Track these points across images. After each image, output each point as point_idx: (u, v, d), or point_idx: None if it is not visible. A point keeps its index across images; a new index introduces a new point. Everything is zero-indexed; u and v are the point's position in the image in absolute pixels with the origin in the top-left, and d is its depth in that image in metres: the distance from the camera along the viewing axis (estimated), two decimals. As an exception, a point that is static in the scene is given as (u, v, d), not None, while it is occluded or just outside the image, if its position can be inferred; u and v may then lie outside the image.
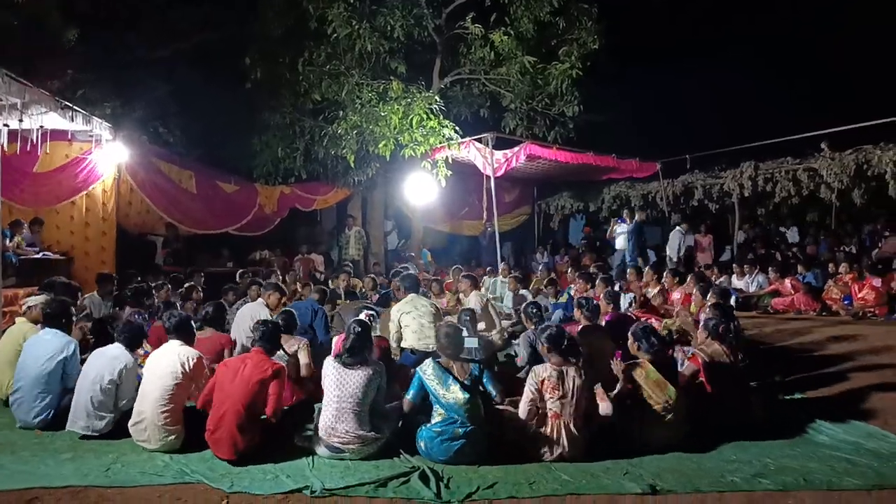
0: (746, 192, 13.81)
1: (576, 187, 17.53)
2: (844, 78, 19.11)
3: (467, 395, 4.61)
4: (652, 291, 9.14)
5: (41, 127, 8.63)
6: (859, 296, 10.18)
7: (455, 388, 4.64)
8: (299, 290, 10.07)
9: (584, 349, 5.93)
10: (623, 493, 4.09)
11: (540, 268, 13.50)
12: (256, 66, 12.37)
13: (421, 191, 13.38)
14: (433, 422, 4.66)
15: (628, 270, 10.63)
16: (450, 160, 12.50)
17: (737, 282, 12.07)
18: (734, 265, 12.83)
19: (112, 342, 5.32)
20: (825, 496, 4.05)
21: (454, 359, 4.90)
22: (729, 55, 19.98)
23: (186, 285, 9.37)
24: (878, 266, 10.96)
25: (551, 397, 4.64)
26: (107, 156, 10.25)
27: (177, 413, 4.82)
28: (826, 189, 12.61)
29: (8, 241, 9.09)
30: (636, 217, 13.33)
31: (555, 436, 4.59)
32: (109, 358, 5.11)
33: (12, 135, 8.44)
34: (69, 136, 9.87)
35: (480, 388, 4.81)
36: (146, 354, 5.43)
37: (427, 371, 4.77)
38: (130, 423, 4.84)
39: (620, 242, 13.46)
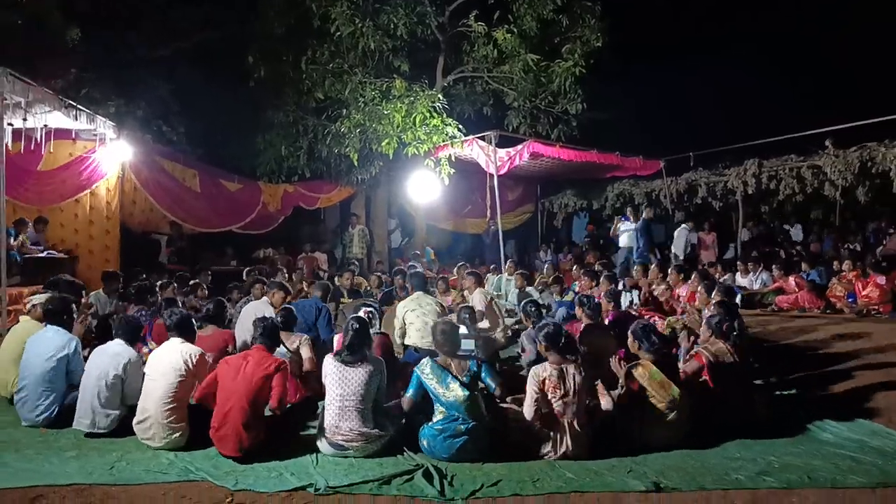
0: (750, 189, 13.76)
1: (579, 185, 17.49)
2: (848, 75, 19.06)
3: (466, 393, 4.61)
4: (657, 288, 9.13)
5: (45, 126, 8.68)
6: (863, 293, 10.14)
7: (454, 385, 4.64)
8: (305, 288, 10.08)
9: (586, 348, 5.96)
10: (627, 490, 4.08)
11: (546, 266, 13.48)
12: (259, 64, 12.38)
13: (424, 189, 13.37)
14: (434, 420, 4.66)
15: (635, 267, 10.61)
16: (453, 158, 12.48)
17: (740, 279, 12.04)
18: (738, 263, 12.79)
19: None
20: (829, 494, 4.04)
21: (451, 356, 4.89)
22: (733, 53, 19.92)
23: (191, 283, 9.39)
24: (881, 263, 10.92)
25: (553, 396, 4.63)
26: (110, 154, 10.30)
27: (181, 410, 4.83)
28: (830, 186, 12.56)
29: (12, 239, 9.11)
30: (644, 215, 13.24)
31: (558, 434, 4.59)
32: (111, 355, 5.12)
33: (17, 134, 8.49)
34: (73, 135, 9.92)
35: (480, 384, 4.81)
36: (150, 352, 5.44)
37: (425, 370, 4.77)
38: (135, 421, 4.85)
39: (624, 240, 13.44)
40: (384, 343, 6.12)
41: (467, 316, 6.56)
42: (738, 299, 8.50)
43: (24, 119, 8.19)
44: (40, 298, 6.34)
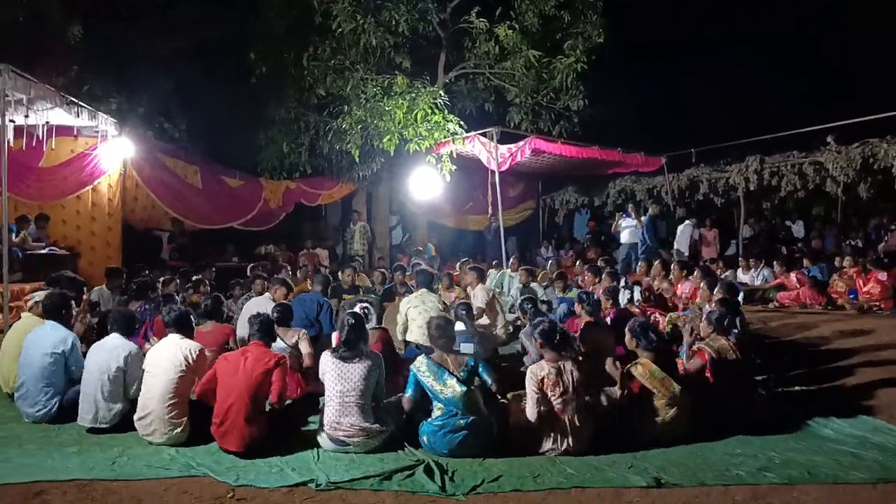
0: (752, 185, 13.76)
1: (581, 182, 17.49)
2: (848, 75, 19.03)
3: (463, 388, 4.60)
4: (660, 285, 9.12)
5: (47, 122, 8.69)
6: (864, 290, 10.14)
7: (451, 381, 4.63)
8: (309, 286, 10.08)
9: (587, 346, 5.95)
10: (628, 486, 4.08)
11: (549, 262, 13.47)
12: (261, 60, 12.39)
13: (425, 185, 13.38)
14: (434, 416, 4.66)
15: (640, 263, 10.60)
16: (454, 155, 12.48)
17: (742, 276, 12.04)
18: (739, 259, 12.79)
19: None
20: (830, 490, 4.04)
21: (447, 351, 4.88)
22: (733, 52, 19.94)
23: (194, 279, 9.41)
24: (883, 260, 10.91)
25: (553, 395, 4.62)
26: (112, 151, 10.31)
27: (182, 406, 4.84)
28: (832, 183, 12.55)
29: (14, 236, 9.13)
30: (650, 211, 13.18)
31: (559, 431, 4.59)
32: (111, 348, 5.14)
33: (18, 130, 8.49)
34: (75, 132, 9.93)
35: (477, 379, 4.80)
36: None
37: (421, 368, 4.75)
38: (136, 417, 4.86)
39: (625, 237, 13.43)
40: (384, 338, 6.11)
41: (464, 312, 6.52)
42: (740, 297, 8.49)
43: (26, 116, 8.21)
44: (42, 295, 6.35)
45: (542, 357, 4.89)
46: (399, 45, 12.57)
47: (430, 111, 11.68)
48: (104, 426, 5.01)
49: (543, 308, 8.94)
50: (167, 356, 4.92)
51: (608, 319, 6.73)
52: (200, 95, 13.14)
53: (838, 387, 6.42)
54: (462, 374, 4.69)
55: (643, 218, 13.13)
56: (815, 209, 15.75)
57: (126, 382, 5.09)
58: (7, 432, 5.09)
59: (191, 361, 4.93)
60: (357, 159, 12.74)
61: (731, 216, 15.91)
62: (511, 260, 11.78)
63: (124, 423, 4.99)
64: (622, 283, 9.38)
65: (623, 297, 7.73)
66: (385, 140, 11.84)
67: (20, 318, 6.43)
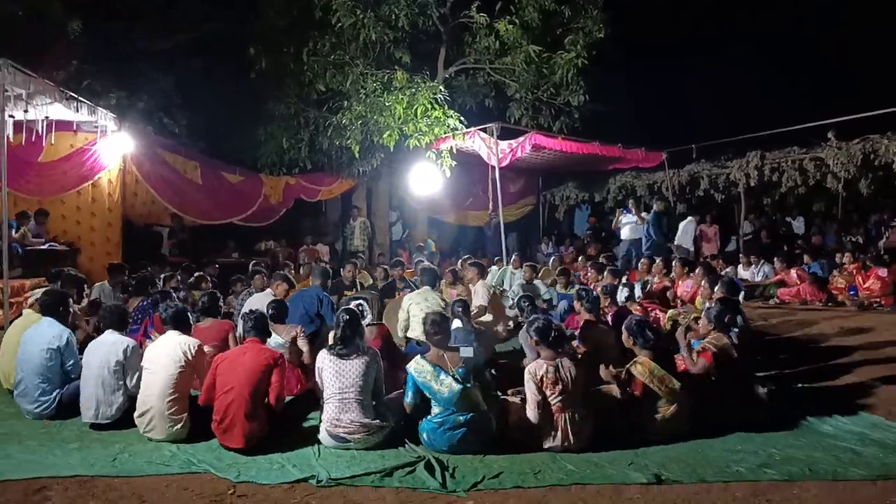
0: (752, 181, 13.76)
1: (581, 178, 17.48)
2: (847, 75, 19.03)
3: (460, 387, 4.58)
4: (661, 282, 9.12)
5: (46, 117, 8.68)
6: (865, 286, 10.15)
7: (448, 380, 4.61)
8: (311, 283, 10.07)
9: (587, 344, 5.95)
10: (628, 482, 4.08)
11: (552, 259, 13.45)
12: (261, 56, 12.34)
13: (426, 181, 13.35)
14: (433, 413, 4.65)
15: (642, 260, 10.59)
16: (454, 150, 12.47)
17: (742, 272, 12.05)
18: (740, 255, 12.79)
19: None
20: (830, 486, 4.04)
21: (443, 348, 4.86)
22: (732, 51, 19.99)
23: (196, 275, 9.40)
24: (883, 256, 10.92)
25: (552, 393, 4.62)
26: (112, 146, 10.29)
27: (182, 401, 4.85)
28: (833, 179, 12.57)
29: (14, 231, 9.12)
30: (654, 207, 13.03)
31: (559, 428, 4.58)
32: (108, 344, 5.14)
33: (18, 125, 8.47)
34: (74, 127, 9.91)
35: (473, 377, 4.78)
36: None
37: (417, 369, 4.73)
38: (136, 414, 4.87)
39: (626, 233, 13.40)
40: (384, 333, 6.12)
41: (461, 309, 6.48)
42: (741, 296, 8.47)
43: (26, 111, 8.19)
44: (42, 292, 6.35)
45: (538, 355, 4.89)
46: (399, 40, 12.54)
47: (430, 106, 11.66)
48: (105, 422, 5.02)
49: (544, 307, 8.96)
50: (166, 353, 4.92)
51: (609, 317, 6.72)
52: (200, 91, 13.13)
53: (838, 383, 6.43)
54: (459, 371, 4.68)
55: (644, 214, 13.09)
56: (815, 205, 15.77)
57: (126, 376, 5.10)
58: (7, 428, 5.09)
59: (190, 357, 4.94)
60: (357, 155, 12.72)
61: (731, 212, 15.92)
62: (513, 257, 11.76)
63: (125, 418, 4.99)
64: (625, 279, 9.38)
65: (621, 295, 7.73)
66: (385, 135, 11.82)
67: (20, 314, 6.44)
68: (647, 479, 4.10)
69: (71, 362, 5.41)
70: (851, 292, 10.28)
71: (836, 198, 14.37)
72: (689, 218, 13.75)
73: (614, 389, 5.03)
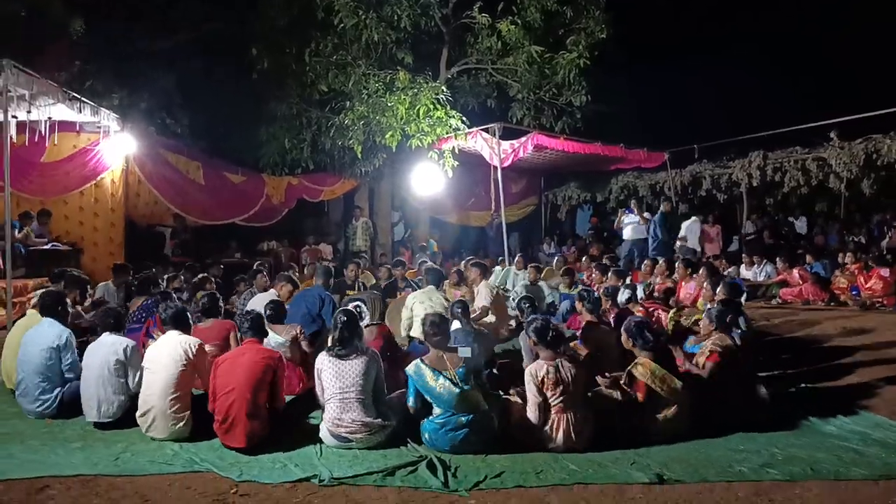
0: (755, 181, 13.76)
1: (583, 178, 17.48)
2: (850, 75, 19.02)
3: (458, 390, 4.58)
4: (664, 283, 9.11)
5: (49, 118, 8.69)
6: (867, 286, 10.14)
7: (447, 383, 4.60)
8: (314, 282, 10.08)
9: (588, 345, 5.95)
10: (630, 482, 4.08)
11: (556, 259, 13.45)
12: (263, 56, 12.36)
13: (428, 181, 13.36)
14: (435, 414, 4.65)
15: (645, 262, 10.57)
16: (457, 150, 12.47)
17: (745, 272, 12.03)
18: (742, 255, 12.78)
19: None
20: (832, 486, 4.04)
21: (442, 349, 4.85)
22: (734, 52, 19.99)
23: (200, 276, 9.41)
24: (885, 256, 10.90)
25: (553, 394, 4.61)
26: (114, 146, 10.31)
27: (184, 400, 4.87)
28: (835, 179, 12.55)
29: (17, 232, 9.14)
30: (661, 207, 12.99)
31: (561, 430, 4.57)
32: (108, 344, 5.15)
33: (21, 126, 8.48)
34: (77, 127, 9.94)
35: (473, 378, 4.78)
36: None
37: (417, 373, 4.73)
38: (138, 413, 4.88)
39: (628, 233, 13.39)
40: (384, 333, 6.11)
41: (460, 311, 6.44)
42: (742, 298, 8.44)
43: (28, 111, 8.21)
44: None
45: (536, 356, 4.89)
46: (401, 41, 12.53)
47: (432, 107, 11.67)
48: (108, 420, 5.03)
49: (545, 309, 8.94)
50: (167, 352, 4.94)
51: (610, 319, 6.71)
52: (202, 91, 13.13)
53: (840, 383, 6.42)
54: (459, 371, 4.67)
55: (647, 214, 13.08)
56: (818, 205, 15.77)
57: (127, 375, 5.11)
58: (10, 428, 5.10)
59: (191, 356, 4.96)
60: (359, 155, 12.73)
61: (733, 212, 15.91)
62: (516, 258, 11.74)
63: (128, 417, 5.00)
64: (625, 281, 9.35)
65: (622, 297, 7.72)
66: (387, 136, 11.83)
67: (24, 314, 6.45)
68: (649, 478, 4.10)
69: (69, 361, 5.41)
70: (854, 292, 10.26)
71: (838, 198, 14.36)
72: (694, 218, 13.72)
73: (614, 392, 5.03)
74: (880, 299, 9.87)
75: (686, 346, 6.12)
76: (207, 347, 5.41)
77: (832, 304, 10.30)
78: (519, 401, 4.88)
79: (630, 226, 13.28)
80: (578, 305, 6.62)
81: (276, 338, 6.04)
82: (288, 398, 5.56)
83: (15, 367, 5.66)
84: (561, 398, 4.60)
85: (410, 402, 4.81)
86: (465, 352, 4.80)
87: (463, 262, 11.67)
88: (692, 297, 8.62)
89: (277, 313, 6.33)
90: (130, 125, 10.38)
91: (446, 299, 7.28)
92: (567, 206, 18.78)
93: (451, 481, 4.10)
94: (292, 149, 13.34)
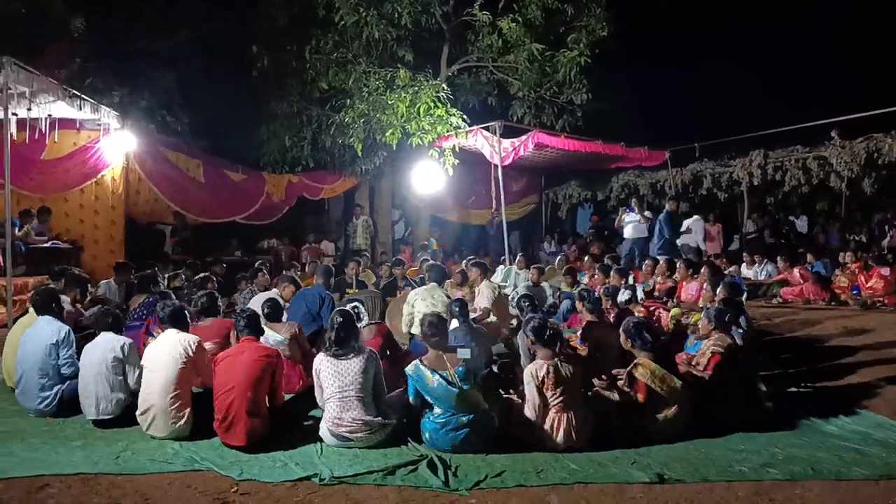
0: (756, 180, 13.74)
1: (584, 176, 17.47)
2: (851, 73, 19.01)
3: (457, 390, 4.57)
4: (665, 283, 9.09)
5: (49, 115, 8.70)
6: (868, 285, 10.13)
7: (445, 384, 4.59)
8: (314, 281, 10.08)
9: (589, 344, 5.94)
10: (631, 481, 4.08)
11: (558, 258, 13.43)
12: (263, 54, 12.35)
13: (428, 180, 13.35)
14: (435, 413, 4.64)
15: (646, 262, 10.55)
16: (457, 149, 12.47)
17: (745, 271, 12.03)
18: (743, 254, 12.76)
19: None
20: (833, 486, 4.04)
21: (441, 349, 4.84)
22: (735, 50, 19.98)
23: (201, 275, 9.40)
24: (886, 255, 10.89)
25: (554, 394, 4.61)
26: (114, 144, 10.32)
27: (185, 397, 4.86)
28: (836, 178, 12.53)
29: (17, 230, 9.14)
30: (666, 206, 12.85)
31: (561, 429, 4.56)
32: (104, 343, 5.15)
33: (21, 123, 8.48)
34: (77, 125, 9.94)
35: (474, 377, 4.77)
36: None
37: (416, 373, 4.72)
38: (138, 412, 4.88)
39: (629, 231, 13.36)
40: (384, 332, 6.11)
41: (458, 309, 6.42)
42: (743, 297, 8.43)
43: (29, 109, 8.21)
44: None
45: (535, 355, 4.88)
46: (402, 38, 12.53)
47: (432, 105, 11.66)
48: (107, 417, 5.03)
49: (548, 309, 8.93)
50: (167, 350, 4.93)
51: (611, 318, 6.70)
52: (203, 89, 13.14)
53: (841, 383, 6.41)
54: (458, 370, 4.65)
55: (647, 213, 13.05)
56: (818, 204, 15.74)
57: (126, 372, 5.12)
58: (11, 426, 5.10)
59: (191, 354, 4.96)
60: (360, 153, 12.73)
61: (734, 211, 15.90)
62: (518, 257, 11.73)
63: (128, 415, 5.00)
64: (624, 282, 9.34)
65: (622, 297, 7.71)
66: (388, 134, 11.82)
67: (25, 312, 6.44)
68: (649, 478, 4.09)
69: (67, 356, 5.40)
70: (854, 292, 10.25)
71: (839, 197, 14.34)
72: (696, 217, 13.68)
73: (612, 393, 5.03)
74: (881, 298, 9.86)
75: (686, 345, 6.13)
76: (207, 346, 5.42)
77: (833, 303, 10.29)
78: (519, 400, 4.87)
79: (631, 224, 13.24)
80: (579, 305, 6.61)
81: (275, 336, 6.04)
82: (288, 396, 5.56)
83: (15, 365, 5.66)
84: (561, 398, 4.59)
85: (411, 399, 4.82)
86: (464, 353, 4.79)
87: (464, 261, 11.67)
88: (694, 298, 8.60)
89: (275, 311, 6.34)
90: (131, 123, 10.39)
91: (448, 297, 7.26)
92: (568, 205, 18.76)
93: (451, 480, 4.09)
94: (293, 147, 13.33)
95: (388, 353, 5.90)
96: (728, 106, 19.01)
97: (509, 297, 9.12)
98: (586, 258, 12.78)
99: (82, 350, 5.27)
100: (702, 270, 8.88)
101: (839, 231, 14.61)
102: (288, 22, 12.42)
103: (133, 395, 5.05)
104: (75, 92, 8.56)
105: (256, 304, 7.17)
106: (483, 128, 12.02)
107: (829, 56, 19.52)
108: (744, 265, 12.22)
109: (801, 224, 16.25)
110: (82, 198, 10.94)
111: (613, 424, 4.82)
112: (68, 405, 5.27)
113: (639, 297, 8.32)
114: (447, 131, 12.05)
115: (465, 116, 12.17)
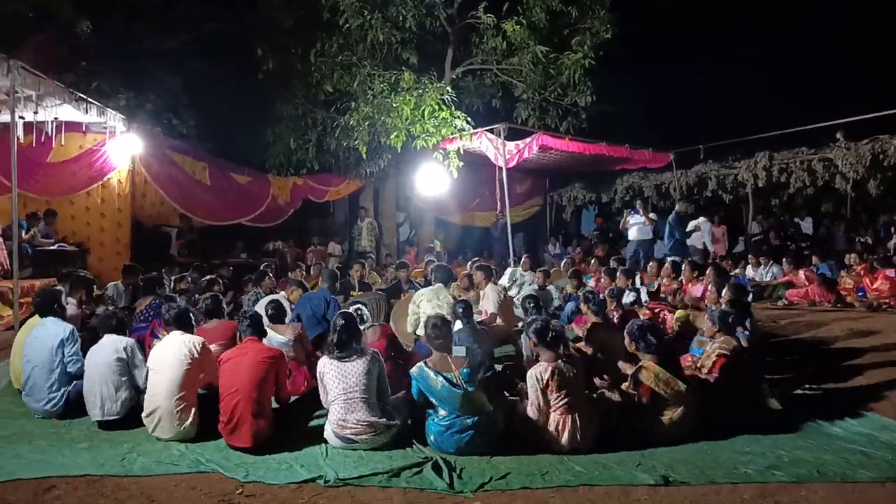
0: (761, 182, 13.71)
1: (588, 178, 17.46)
2: (855, 75, 18.97)
3: (461, 392, 4.57)
4: (670, 285, 9.08)
5: (56, 118, 8.74)
6: (873, 287, 10.08)
7: (449, 385, 4.60)
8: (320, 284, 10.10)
9: (594, 346, 5.94)
10: (636, 484, 4.07)
11: (564, 261, 13.43)
12: (268, 57, 12.38)
13: (432, 182, 13.36)
14: (440, 415, 4.65)
15: (650, 264, 10.54)
16: (461, 151, 12.47)
17: (751, 273, 12.00)
18: (748, 256, 12.73)
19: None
20: (839, 488, 4.03)
21: (445, 351, 4.84)
22: (739, 52, 19.98)
23: (207, 278, 9.42)
24: (891, 257, 10.86)
25: (558, 396, 4.61)
26: (121, 147, 10.35)
27: (190, 398, 4.89)
28: (841, 179, 12.51)
29: (24, 232, 9.18)
30: (676, 208, 12.69)
31: (566, 431, 4.56)
32: (109, 345, 5.20)
33: (27, 126, 8.53)
34: (83, 128, 9.98)
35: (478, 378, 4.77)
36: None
37: (420, 375, 4.73)
38: (144, 413, 4.90)
39: (633, 233, 13.34)
40: (388, 334, 6.11)
41: (461, 310, 6.40)
42: (749, 299, 8.40)
43: (35, 112, 8.25)
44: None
45: (537, 357, 4.88)
46: (406, 41, 12.55)
47: (437, 107, 11.67)
48: (112, 418, 5.05)
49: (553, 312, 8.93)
50: (172, 352, 4.96)
51: (615, 319, 6.70)
52: (208, 92, 13.18)
53: (847, 385, 6.38)
54: (463, 373, 4.66)
55: (652, 215, 13.03)
56: (824, 206, 15.70)
57: (131, 373, 5.16)
58: (18, 428, 5.13)
59: (196, 355, 4.98)
60: (364, 156, 12.75)
61: (739, 213, 15.88)
62: (523, 259, 11.73)
63: (133, 416, 5.02)
64: (630, 283, 9.32)
65: (627, 299, 7.69)
66: (392, 136, 11.84)
67: (32, 314, 6.48)
68: (654, 480, 4.09)
69: (72, 353, 5.43)
70: (860, 293, 10.21)
71: (844, 198, 14.32)
72: (703, 218, 13.64)
73: (613, 395, 5.03)
74: (887, 300, 9.82)
75: (691, 347, 6.12)
76: (213, 347, 5.44)
77: (838, 305, 10.25)
78: (522, 403, 4.87)
79: (635, 226, 13.21)
80: (583, 307, 6.61)
81: (278, 337, 6.06)
82: (293, 398, 5.58)
83: (22, 366, 5.69)
84: (566, 399, 4.59)
85: (415, 396, 4.84)
86: (458, 350, 4.79)
87: (469, 264, 11.67)
88: (700, 300, 8.58)
89: (278, 313, 6.36)
90: (136, 126, 10.42)
91: (454, 297, 7.25)
92: (572, 207, 18.75)
93: (456, 482, 4.10)
94: (298, 149, 13.36)
95: (393, 354, 5.91)
96: (732, 108, 18.98)
97: (514, 300, 9.12)
98: (592, 261, 12.78)
99: (88, 350, 5.30)
100: (707, 272, 8.85)
101: (845, 233, 14.56)
102: (293, 25, 12.44)
103: (138, 394, 5.08)
104: (81, 95, 8.60)
105: (262, 307, 7.21)
106: (487, 130, 12.02)
107: (832, 58, 19.48)
108: (749, 267, 12.19)
109: (807, 226, 16.21)
110: (88, 200, 10.98)
111: (616, 425, 4.81)
112: (74, 406, 5.30)
113: (643, 299, 8.32)
114: (451, 134, 12.06)
115: (469, 119, 12.17)
